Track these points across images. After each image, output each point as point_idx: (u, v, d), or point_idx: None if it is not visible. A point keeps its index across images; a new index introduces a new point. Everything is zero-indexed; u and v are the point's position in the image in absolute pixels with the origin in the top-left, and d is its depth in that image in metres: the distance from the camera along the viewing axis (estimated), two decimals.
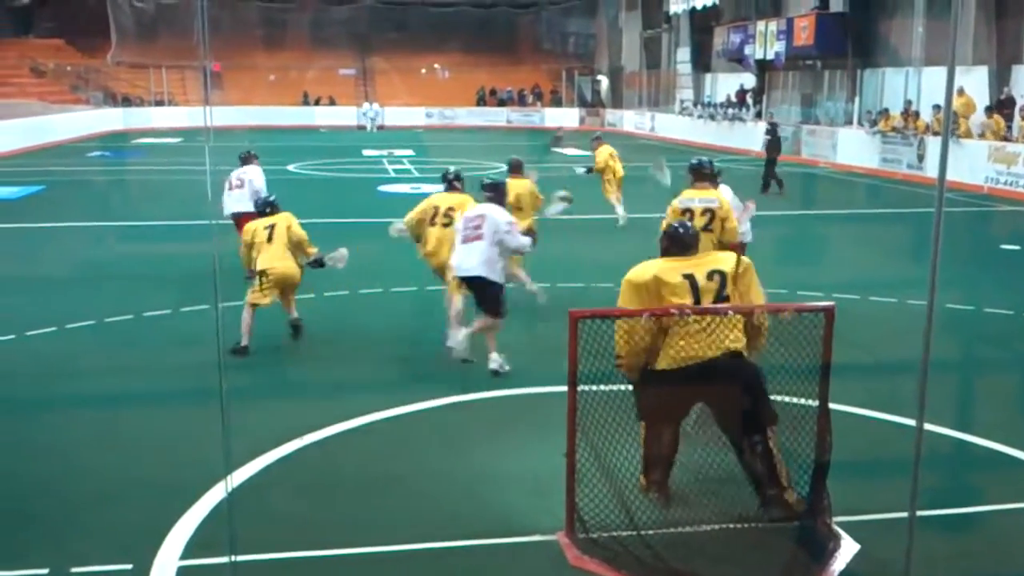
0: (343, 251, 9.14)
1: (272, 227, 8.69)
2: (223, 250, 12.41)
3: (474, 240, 7.71)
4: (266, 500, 5.47)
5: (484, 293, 7.75)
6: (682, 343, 4.98)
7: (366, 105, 46.39)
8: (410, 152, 31.49)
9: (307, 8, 48.39)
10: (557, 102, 51.25)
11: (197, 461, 5.92)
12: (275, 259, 8.55)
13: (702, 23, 38.57)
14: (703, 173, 8.13)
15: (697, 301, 5.06)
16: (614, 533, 4.81)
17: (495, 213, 7.81)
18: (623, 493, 4.93)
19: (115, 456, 6.18)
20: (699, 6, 36.62)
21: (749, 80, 35.53)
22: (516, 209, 9.48)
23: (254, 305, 8.44)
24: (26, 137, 31.64)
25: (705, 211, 7.88)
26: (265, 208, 9.04)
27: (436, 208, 8.85)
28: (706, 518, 5.01)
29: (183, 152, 32.29)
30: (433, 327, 9.76)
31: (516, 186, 9.93)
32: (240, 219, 10.52)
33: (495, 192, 8.11)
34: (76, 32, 49.30)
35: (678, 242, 5.33)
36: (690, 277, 5.11)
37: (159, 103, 47.21)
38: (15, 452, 6.28)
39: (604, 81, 51.70)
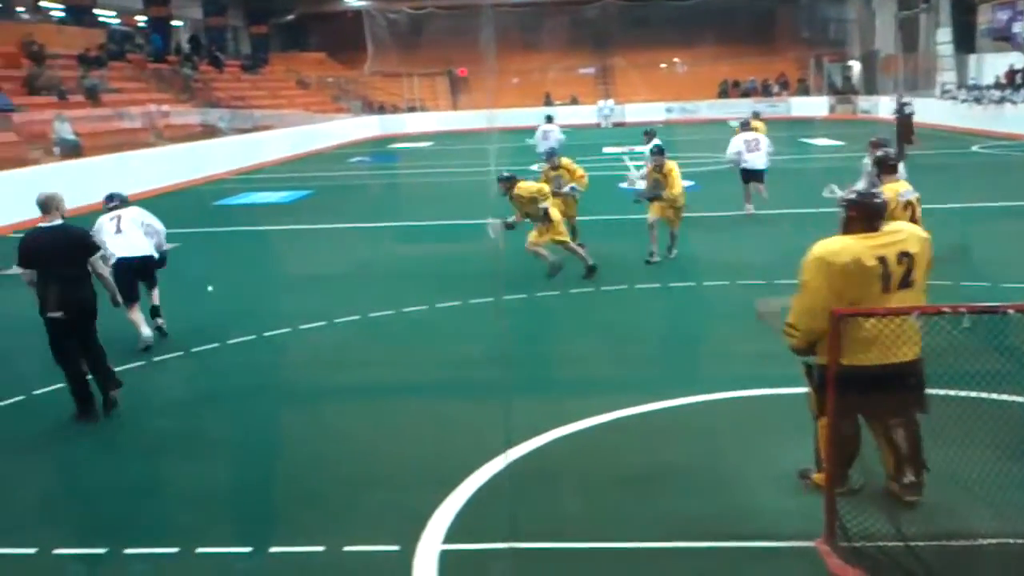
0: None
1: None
2: (484, 250, 12.86)
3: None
4: (521, 490, 5.61)
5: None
6: (865, 341, 4.67)
7: (601, 102, 46.60)
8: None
9: (549, 11, 49.24)
10: (805, 91, 49.38)
11: (456, 450, 6.21)
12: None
13: (964, 2, 35.86)
14: (893, 166, 8.12)
15: (886, 289, 4.73)
16: (879, 543, 4.57)
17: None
18: (889, 500, 4.68)
19: (381, 442, 6.56)
20: None
21: (1020, 59, 32.66)
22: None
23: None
24: (294, 145, 34.24)
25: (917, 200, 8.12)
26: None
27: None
28: (983, 532, 4.66)
29: (435, 155, 33.81)
30: (682, 324, 9.69)
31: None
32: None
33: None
34: (336, 46, 52.91)
35: (869, 213, 4.83)
36: (883, 260, 4.73)
37: (412, 109, 49.69)
38: (295, 435, 6.82)
39: (856, 66, 49.22)
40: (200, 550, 5.08)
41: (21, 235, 11.32)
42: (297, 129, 36.28)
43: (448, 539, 5.06)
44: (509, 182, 11.32)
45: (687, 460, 5.99)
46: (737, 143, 15.74)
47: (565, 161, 12.94)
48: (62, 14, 35.81)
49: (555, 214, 11.30)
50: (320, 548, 5.05)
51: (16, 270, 7.18)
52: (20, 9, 36.73)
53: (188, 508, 5.70)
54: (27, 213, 11.21)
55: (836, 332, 4.52)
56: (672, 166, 12.25)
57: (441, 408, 7.24)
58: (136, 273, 9.13)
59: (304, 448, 6.57)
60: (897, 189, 7.81)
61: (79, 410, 7.14)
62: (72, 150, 22.04)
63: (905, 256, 4.77)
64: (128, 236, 9.20)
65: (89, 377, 7.22)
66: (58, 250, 7.03)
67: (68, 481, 6.32)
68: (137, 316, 9.01)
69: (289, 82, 47.13)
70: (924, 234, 4.96)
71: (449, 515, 5.31)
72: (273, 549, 5.08)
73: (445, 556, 4.90)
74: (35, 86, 25.37)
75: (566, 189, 12.63)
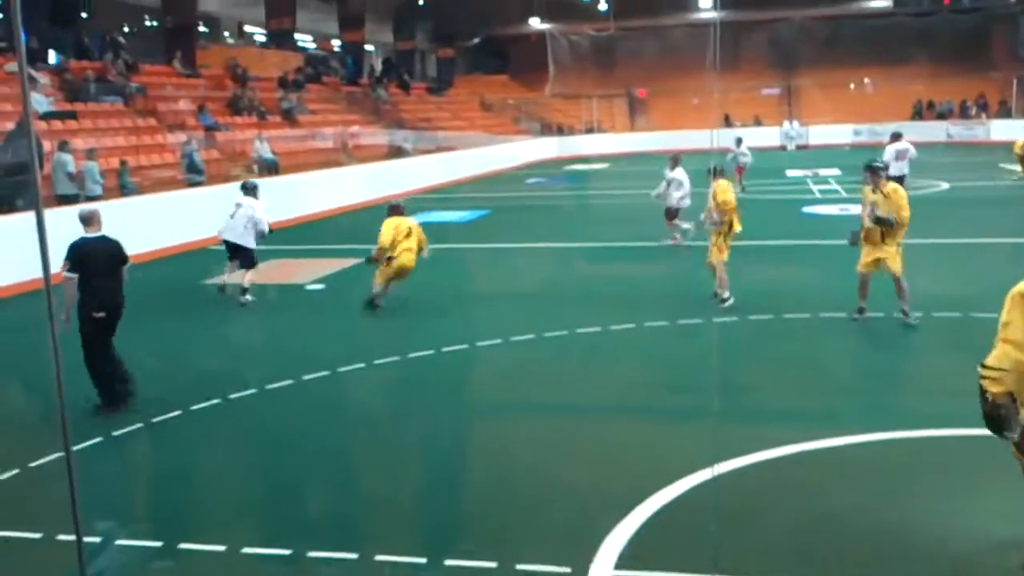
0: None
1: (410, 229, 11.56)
2: (659, 273, 12.76)
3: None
4: (698, 520, 5.49)
5: None
6: None
7: (787, 124, 45.41)
8: (836, 171, 30.25)
9: (734, 30, 48.44)
10: (1006, 114, 46.46)
11: (630, 475, 6.15)
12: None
13: None
14: None
15: None
16: None
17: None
18: None
19: (556, 462, 6.56)
20: None
21: None
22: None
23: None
24: (474, 166, 35.02)
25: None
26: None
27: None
28: None
29: (610, 177, 33.84)
30: (871, 355, 9.26)
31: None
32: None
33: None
34: (519, 68, 53.92)
35: None
36: None
37: (589, 131, 49.91)
38: (473, 451, 6.96)
39: None
40: (378, 557, 5.22)
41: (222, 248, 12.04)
42: (478, 150, 37.08)
43: (620, 564, 4.99)
44: (391, 211, 11.80)
45: (872, 500, 5.68)
46: (889, 152, 19.35)
47: (720, 184, 11.18)
48: (264, 39, 38.05)
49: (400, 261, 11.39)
50: (492, 564, 5.09)
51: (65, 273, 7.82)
52: (226, 34, 39.30)
53: (369, 516, 5.88)
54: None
55: None
56: (896, 186, 10.05)
57: (615, 431, 7.19)
58: (233, 251, 12.51)
59: (481, 464, 6.67)
60: None
61: (105, 402, 7.85)
62: (270, 168, 23.33)
63: None
64: (235, 224, 12.37)
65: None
66: (100, 257, 7.86)
67: (257, 485, 6.64)
68: (232, 276, 12.76)
69: (472, 104, 48.30)
70: None
71: (622, 540, 5.24)
72: (448, 562, 5.15)
73: None
74: (238, 107, 27.03)
75: (708, 224, 11.12)
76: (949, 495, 5.68)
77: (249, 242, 12.33)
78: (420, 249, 11.65)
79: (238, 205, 12.47)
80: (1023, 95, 46.34)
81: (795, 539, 5.26)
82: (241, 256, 12.46)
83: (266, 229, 12.43)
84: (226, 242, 12.58)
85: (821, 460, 6.31)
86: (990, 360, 4.29)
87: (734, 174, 23.69)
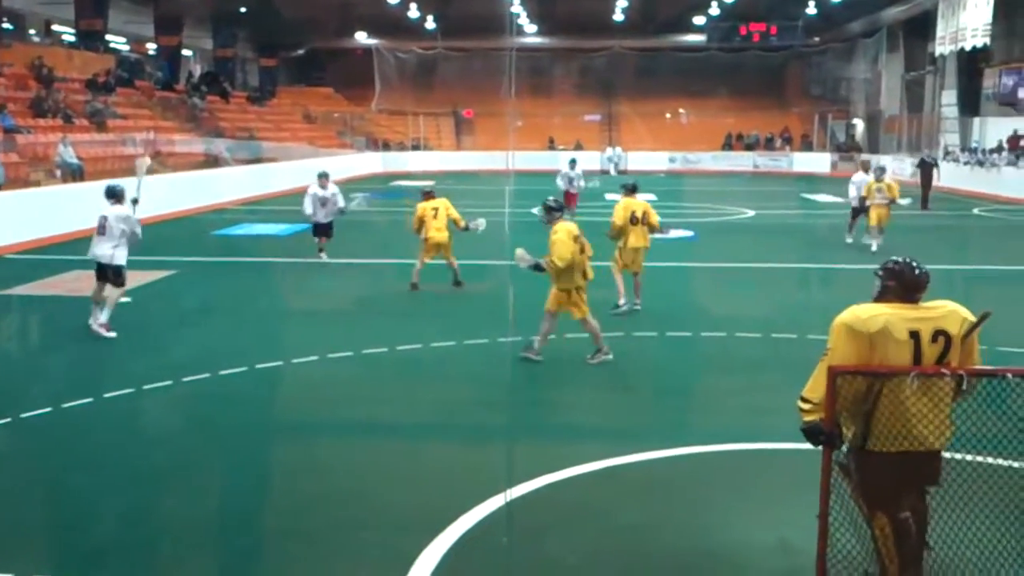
0: (481, 220, 13.63)
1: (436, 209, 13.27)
2: (481, 291, 12.83)
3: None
4: (509, 536, 5.52)
5: None
6: (895, 423, 4.31)
7: (608, 149, 46.98)
8: (652, 197, 31.41)
9: (557, 56, 49.78)
10: (808, 147, 49.75)
11: (445, 493, 6.12)
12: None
13: (971, 65, 36.31)
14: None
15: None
16: None
17: None
18: (881, 560, 4.57)
19: (369, 481, 6.46)
20: (968, 48, 34.46)
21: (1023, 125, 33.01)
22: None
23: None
24: (296, 178, 34.21)
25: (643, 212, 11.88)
26: None
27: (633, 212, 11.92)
28: None
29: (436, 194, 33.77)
30: (678, 374, 9.62)
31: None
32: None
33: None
34: (344, 82, 53.39)
35: (905, 283, 4.46)
36: (916, 336, 4.33)
37: (415, 148, 49.95)
38: (284, 471, 6.74)
39: (860, 125, 49.69)
40: None
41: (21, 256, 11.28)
42: (300, 162, 36.38)
43: None
44: (423, 197, 13.59)
45: (676, 513, 5.90)
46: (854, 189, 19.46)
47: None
48: (73, 39, 36.09)
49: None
50: None
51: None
52: (32, 32, 37.04)
53: (168, 540, 5.59)
54: (28, 233, 11.26)
55: (832, 391, 4.39)
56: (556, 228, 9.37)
57: (431, 449, 7.15)
58: (320, 228, 16.58)
59: (292, 484, 6.47)
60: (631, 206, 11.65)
61: None
62: (74, 173, 22.07)
63: (941, 335, 4.33)
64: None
65: None
66: None
67: (48, 509, 6.21)
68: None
69: (295, 115, 47.41)
70: (966, 313, 4.45)
71: (435, 558, 5.21)
72: None
73: None
74: (42, 108, 25.47)
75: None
76: (746, 506, 5.95)
77: (324, 218, 16.48)
78: (458, 223, 13.29)
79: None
80: (823, 130, 49.76)
81: (604, 554, 5.37)
82: (326, 232, 16.45)
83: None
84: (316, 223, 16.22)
85: (625, 475, 6.49)
86: (806, 391, 4.45)
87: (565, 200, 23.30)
